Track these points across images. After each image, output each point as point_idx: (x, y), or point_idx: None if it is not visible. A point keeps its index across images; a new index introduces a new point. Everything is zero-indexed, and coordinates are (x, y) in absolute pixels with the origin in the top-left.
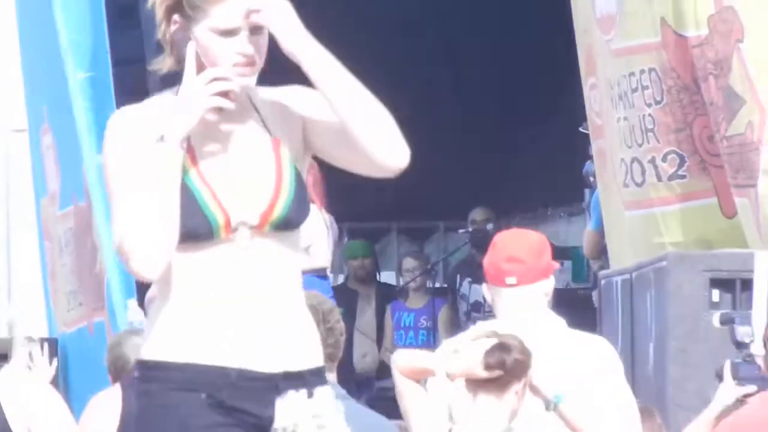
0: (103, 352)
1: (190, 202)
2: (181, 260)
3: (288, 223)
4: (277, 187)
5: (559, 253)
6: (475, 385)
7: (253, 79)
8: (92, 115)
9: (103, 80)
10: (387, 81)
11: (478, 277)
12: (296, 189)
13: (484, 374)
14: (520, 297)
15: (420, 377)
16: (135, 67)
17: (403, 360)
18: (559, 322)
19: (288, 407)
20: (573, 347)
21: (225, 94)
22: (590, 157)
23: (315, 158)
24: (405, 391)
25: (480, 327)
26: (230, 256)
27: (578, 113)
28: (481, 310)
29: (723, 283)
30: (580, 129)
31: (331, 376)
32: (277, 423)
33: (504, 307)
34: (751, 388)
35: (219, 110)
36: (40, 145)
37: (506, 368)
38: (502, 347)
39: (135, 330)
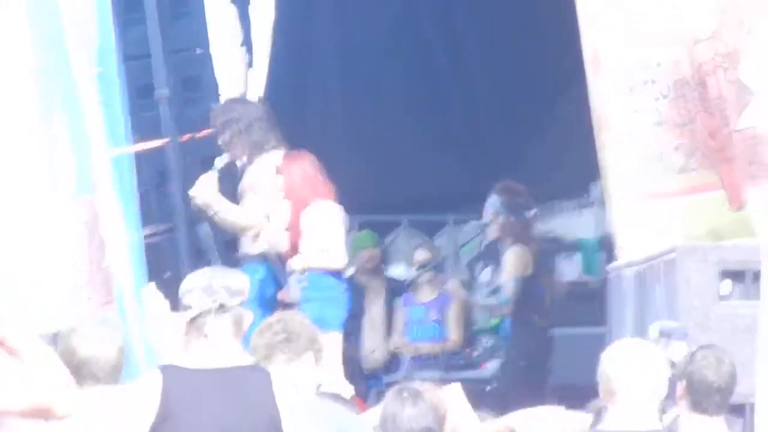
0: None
1: None
2: None
3: None
4: None
5: (569, 246)
6: None
7: None
8: (103, 110)
9: (110, 75)
10: (397, 73)
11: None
12: None
13: None
14: None
15: None
16: (140, 62)
17: None
18: None
19: None
20: None
21: None
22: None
23: (308, 150)
24: None
25: None
26: None
27: (586, 104)
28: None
29: (733, 275)
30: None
31: (308, 371)
32: None
33: None
34: None
35: None
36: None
37: None
38: None
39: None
